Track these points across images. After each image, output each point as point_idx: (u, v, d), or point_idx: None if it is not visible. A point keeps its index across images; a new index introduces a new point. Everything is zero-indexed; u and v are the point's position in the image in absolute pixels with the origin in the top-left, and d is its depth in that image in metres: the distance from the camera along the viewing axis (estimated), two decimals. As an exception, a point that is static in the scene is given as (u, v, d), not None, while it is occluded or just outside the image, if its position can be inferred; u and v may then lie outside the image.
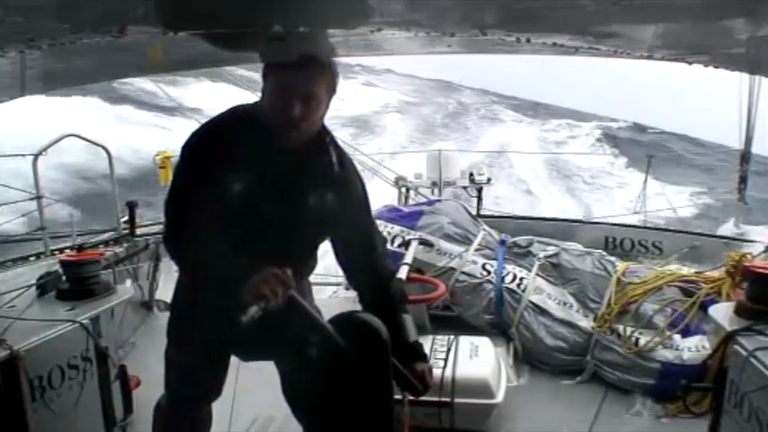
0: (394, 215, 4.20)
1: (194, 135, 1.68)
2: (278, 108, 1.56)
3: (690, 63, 1.87)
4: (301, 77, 1.56)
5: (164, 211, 1.73)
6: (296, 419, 1.91)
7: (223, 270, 1.56)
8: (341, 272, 1.99)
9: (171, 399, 2.00)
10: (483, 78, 30.09)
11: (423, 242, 3.90)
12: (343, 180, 1.75)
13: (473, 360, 2.88)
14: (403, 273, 3.45)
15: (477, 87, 31.39)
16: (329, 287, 4.48)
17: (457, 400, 2.67)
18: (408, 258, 3.67)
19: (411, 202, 5.68)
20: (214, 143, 1.63)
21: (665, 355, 3.20)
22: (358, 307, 1.91)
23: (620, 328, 3.37)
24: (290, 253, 1.67)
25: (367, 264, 1.88)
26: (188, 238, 1.63)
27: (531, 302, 3.65)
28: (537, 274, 3.78)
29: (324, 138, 1.72)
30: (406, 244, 3.91)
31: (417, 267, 3.79)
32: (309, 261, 1.92)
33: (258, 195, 1.62)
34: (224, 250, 1.58)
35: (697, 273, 3.62)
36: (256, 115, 1.64)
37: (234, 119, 1.70)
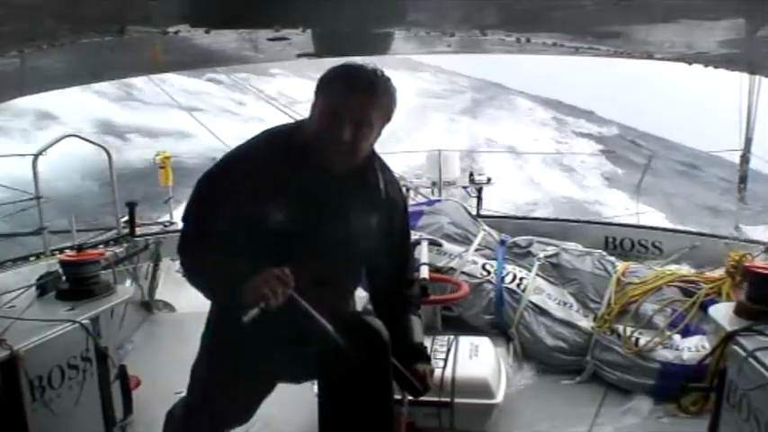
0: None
1: (227, 158, 1.60)
2: (327, 131, 1.48)
3: (690, 63, 1.87)
4: (355, 103, 1.47)
5: (183, 242, 1.63)
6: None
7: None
8: None
9: (193, 418, 1.84)
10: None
11: (432, 242, 3.89)
12: (389, 203, 1.70)
13: (473, 360, 2.88)
14: (425, 272, 3.42)
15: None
16: None
17: (457, 400, 2.67)
18: (424, 258, 3.65)
19: (411, 202, 5.68)
20: (255, 168, 1.54)
21: (665, 355, 3.20)
22: (358, 307, 1.91)
23: (620, 328, 3.37)
24: (332, 275, 1.61)
25: (397, 277, 1.86)
26: (216, 266, 1.52)
27: (531, 302, 3.64)
28: (537, 274, 3.77)
29: (372, 160, 1.65)
30: (413, 245, 3.90)
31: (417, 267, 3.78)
32: (352, 281, 1.84)
33: (301, 222, 1.54)
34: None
35: (697, 273, 3.62)
36: (298, 137, 1.56)
37: (274, 143, 1.60)
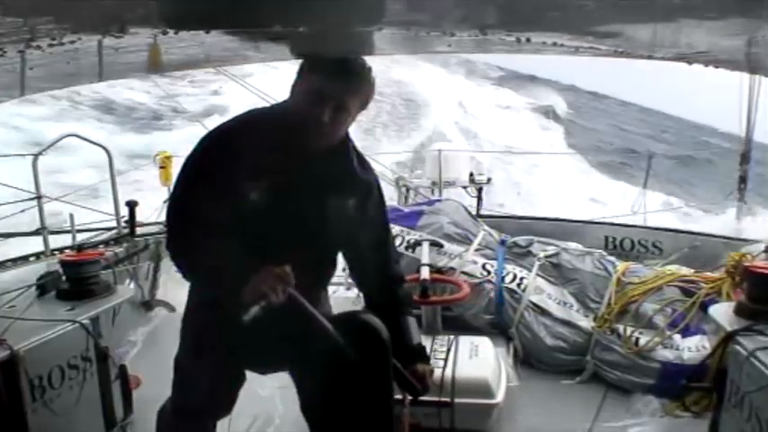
0: (394, 215, 4.18)
1: (207, 140, 1.63)
2: (307, 112, 1.52)
3: (690, 63, 1.87)
4: (337, 87, 1.52)
5: (167, 221, 1.68)
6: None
7: (240, 280, 1.48)
8: (341, 272, 1.99)
9: (179, 411, 1.90)
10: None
11: (433, 243, 3.89)
12: (364, 184, 1.73)
13: (473, 360, 2.88)
14: (425, 273, 3.43)
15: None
16: (329, 287, 4.47)
17: (457, 400, 2.67)
18: (425, 259, 3.66)
19: (411, 202, 5.68)
20: (230, 148, 1.57)
21: (665, 354, 3.20)
22: (358, 307, 1.91)
23: (620, 328, 3.37)
24: (309, 259, 1.61)
25: (380, 267, 1.86)
26: (201, 250, 1.55)
27: (531, 302, 3.64)
28: (537, 274, 3.77)
29: (346, 145, 1.68)
30: (414, 245, 3.90)
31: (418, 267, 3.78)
32: (329, 268, 1.86)
33: (277, 201, 1.57)
34: (240, 260, 1.51)
35: (697, 273, 3.62)
36: (276, 117, 1.60)
37: (250, 122, 1.65)
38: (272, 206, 1.57)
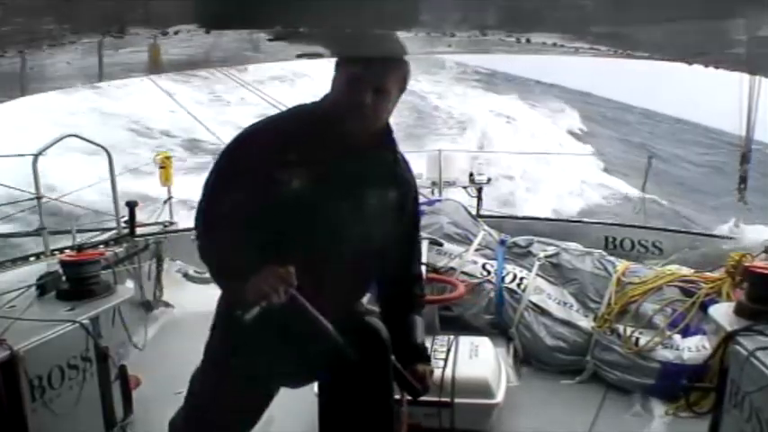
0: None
1: (240, 136, 1.63)
2: (349, 97, 1.55)
3: (690, 63, 1.86)
4: (375, 70, 1.56)
5: (197, 219, 1.63)
6: None
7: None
8: None
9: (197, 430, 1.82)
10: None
11: (433, 242, 3.89)
12: (404, 179, 1.74)
13: (473, 360, 2.88)
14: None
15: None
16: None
17: (457, 400, 2.67)
18: (423, 258, 3.66)
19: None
20: (263, 142, 1.59)
21: (666, 355, 3.20)
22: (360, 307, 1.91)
23: (620, 328, 3.37)
24: (349, 257, 1.60)
25: (405, 267, 1.87)
26: (233, 248, 1.53)
27: (531, 302, 3.64)
28: (537, 274, 3.78)
29: (390, 137, 1.70)
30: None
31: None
32: (367, 271, 1.77)
33: (322, 193, 1.56)
34: (270, 259, 1.49)
35: (697, 273, 3.62)
36: (320, 111, 1.62)
37: (295, 116, 1.67)
38: (314, 197, 1.56)
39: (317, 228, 1.57)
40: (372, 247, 1.68)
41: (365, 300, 1.94)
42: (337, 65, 1.61)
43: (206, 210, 1.63)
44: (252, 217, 1.52)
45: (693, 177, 18.38)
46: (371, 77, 1.54)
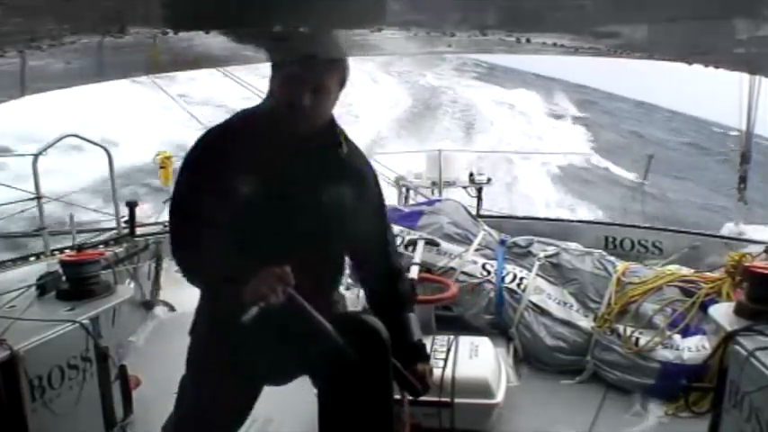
0: (394, 215, 4.19)
1: (202, 141, 1.64)
2: (287, 98, 1.54)
3: (690, 63, 1.86)
4: (311, 68, 1.54)
5: (169, 219, 1.69)
6: None
7: (240, 278, 1.46)
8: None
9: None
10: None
11: (429, 242, 3.89)
12: (358, 173, 1.73)
13: (473, 360, 2.88)
14: (414, 273, 3.43)
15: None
16: None
17: (457, 400, 2.67)
18: (417, 258, 3.67)
19: (411, 201, 5.68)
20: (224, 147, 1.59)
21: (665, 355, 3.20)
22: (358, 307, 1.91)
23: (620, 328, 3.37)
24: (312, 254, 1.59)
25: (381, 261, 1.85)
26: (200, 248, 1.53)
27: (531, 302, 3.64)
28: (537, 274, 3.77)
29: (335, 132, 1.69)
30: (411, 244, 3.90)
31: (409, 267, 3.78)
32: (335, 264, 1.81)
33: (271, 194, 1.57)
34: (240, 258, 1.50)
35: (697, 273, 3.62)
36: (263, 112, 1.62)
37: (241, 121, 1.66)
38: (266, 200, 1.57)
39: (271, 229, 1.57)
40: (334, 242, 1.72)
41: (363, 300, 1.94)
42: (273, 65, 1.60)
43: (172, 211, 1.67)
44: (212, 219, 1.52)
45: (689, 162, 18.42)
46: (307, 77, 1.53)
